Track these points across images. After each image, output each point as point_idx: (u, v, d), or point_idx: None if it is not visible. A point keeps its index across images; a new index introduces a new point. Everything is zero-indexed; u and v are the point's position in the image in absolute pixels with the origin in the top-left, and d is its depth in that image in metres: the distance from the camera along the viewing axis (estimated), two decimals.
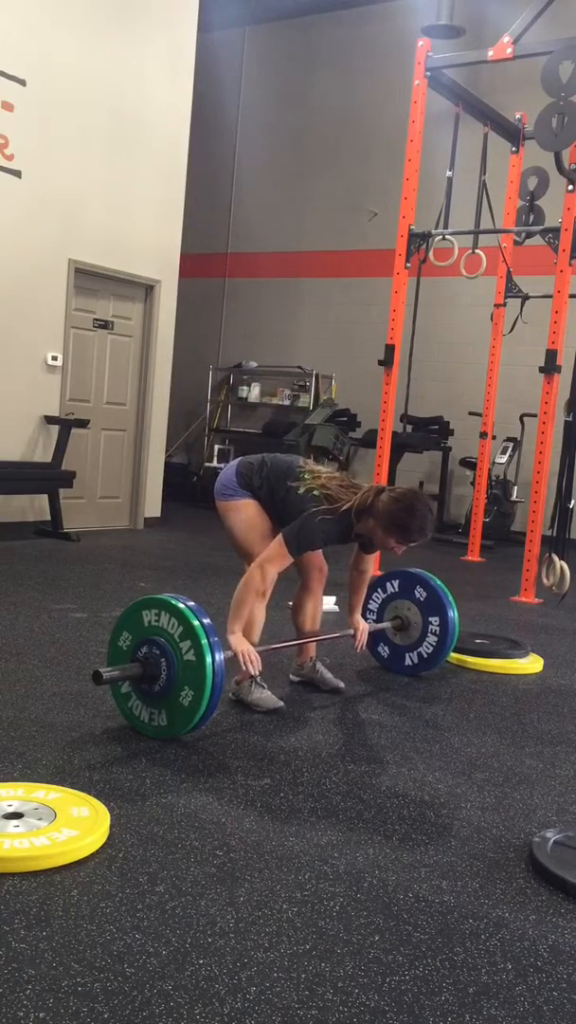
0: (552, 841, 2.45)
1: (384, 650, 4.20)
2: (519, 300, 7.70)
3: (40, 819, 2.32)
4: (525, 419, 9.05)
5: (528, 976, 1.90)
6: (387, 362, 6.63)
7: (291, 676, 3.87)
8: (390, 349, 6.62)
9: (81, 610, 4.82)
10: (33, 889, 2.06)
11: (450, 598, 4.06)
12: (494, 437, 8.40)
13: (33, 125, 6.95)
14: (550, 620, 5.74)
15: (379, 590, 4.20)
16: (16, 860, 2.13)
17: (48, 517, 7.23)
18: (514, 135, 7.59)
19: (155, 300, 8.20)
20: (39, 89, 6.95)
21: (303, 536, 3.26)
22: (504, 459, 9.20)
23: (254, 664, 3.26)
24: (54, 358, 7.34)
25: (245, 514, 3.46)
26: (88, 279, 7.61)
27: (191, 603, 3.01)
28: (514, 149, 7.68)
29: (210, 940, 1.92)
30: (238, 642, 3.26)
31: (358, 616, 3.80)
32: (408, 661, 4.12)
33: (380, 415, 6.69)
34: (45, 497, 7.23)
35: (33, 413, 7.25)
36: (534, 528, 6.37)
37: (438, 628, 4.02)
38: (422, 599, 4.06)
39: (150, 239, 8.07)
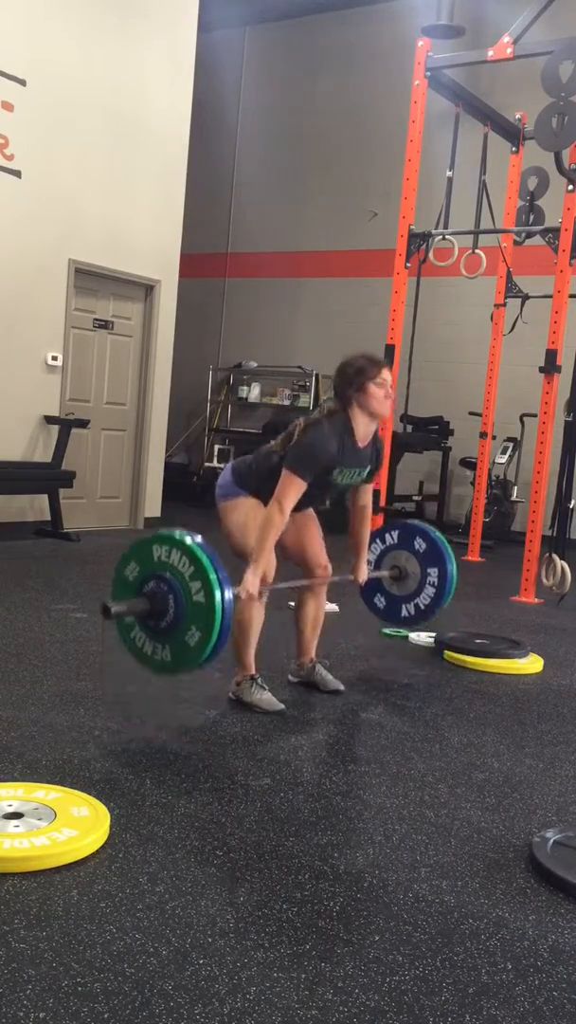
0: (552, 841, 2.45)
1: (380, 601, 4.14)
2: (519, 300, 7.70)
3: (40, 819, 2.32)
4: (525, 419, 9.05)
5: (528, 976, 1.90)
6: (387, 362, 6.62)
7: (290, 677, 3.85)
8: (390, 349, 6.61)
9: (81, 610, 4.82)
10: (33, 889, 2.06)
11: (450, 551, 4.02)
12: (494, 437, 8.40)
13: (33, 125, 6.95)
14: (550, 620, 5.74)
15: (378, 541, 4.15)
16: (16, 860, 2.13)
17: (48, 517, 7.23)
18: (514, 135, 7.59)
19: (155, 300, 8.20)
20: (39, 89, 6.95)
21: (303, 456, 3.25)
22: (504, 459, 9.19)
23: (249, 595, 3.25)
24: (54, 358, 7.34)
25: (243, 510, 3.44)
26: (88, 279, 7.61)
27: (199, 539, 2.97)
28: (514, 149, 7.68)
29: (210, 940, 1.92)
30: (252, 580, 3.22)
31: (363, 565, 3.76)
32: (405, 612, 4.07)
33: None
34: (45, 497, 7.23)
35: (33, 413, 7.25)
36: (534, 528, 6.37)
37: (436, 579, 3.98)
38: (421, 550, 4.01)
39: (150, 239, 8.07)
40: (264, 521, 3.27)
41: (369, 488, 3.69)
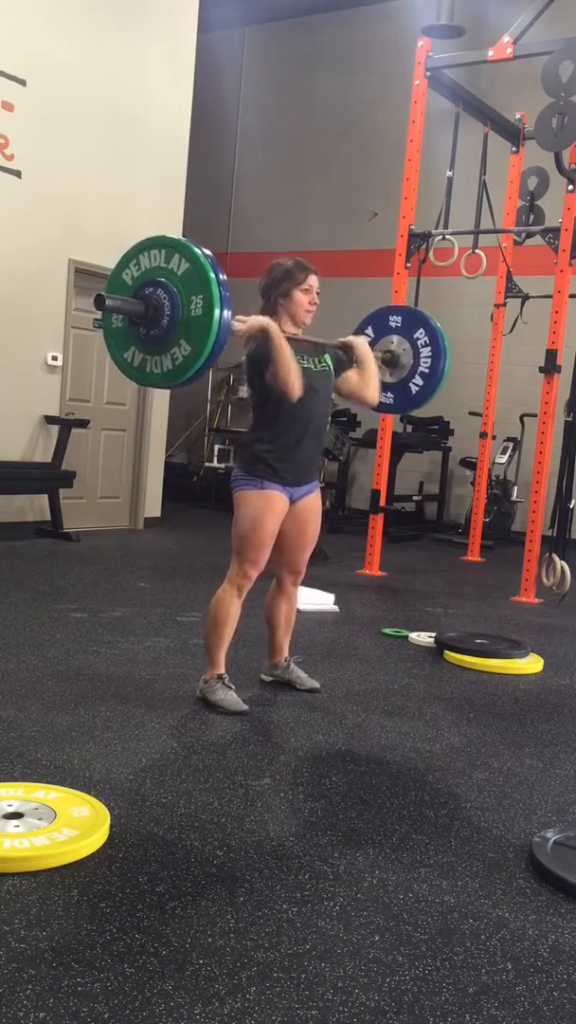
0: (552, 841, 2.45)
1: (389, 397, 4.07)
2: (519, 300, 7.70)
3: (40, 819, 2.32)
4: (525, 419, 9.05)
5: (528, 976, 1.90)
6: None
7: (263, 676, 3.78)
8: None
9: (81, 610, 4.82)
10: (33, 889, 2.06)
11: (424, 313, 3.96)
12: (494, 437, 8.40)
13: (33, 125, 6.95)
14: (550, 620, 5.74)
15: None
16: (16, 860, 2.12)
17: (48, 517, 7.23)
18: (514, 135, 7.59)
19: None
20: (39, 89, 6.95)
21: (256, 349, 3.26)
22: (504, 459, 9.20)
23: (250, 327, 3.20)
24: (54, 358, 7.34)
25: (251, 505, 3.42)
26: (88, 279, 7.59)
27: (210, 252, 2.92)
28: (514, 149, 7.68)
29: (210, 940, 1.92)
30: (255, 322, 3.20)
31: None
32: (414, 388, 4.01)
33: (380, 415, 6.68)
34: (45, 497, 7.23)
35: (33, 413, 7.25)
36: (534, 528, 6.37)
37: (426, 338, 3.93)
38: (398, 324, 3.96)
39: None
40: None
41: (349, 373, 3.59)
